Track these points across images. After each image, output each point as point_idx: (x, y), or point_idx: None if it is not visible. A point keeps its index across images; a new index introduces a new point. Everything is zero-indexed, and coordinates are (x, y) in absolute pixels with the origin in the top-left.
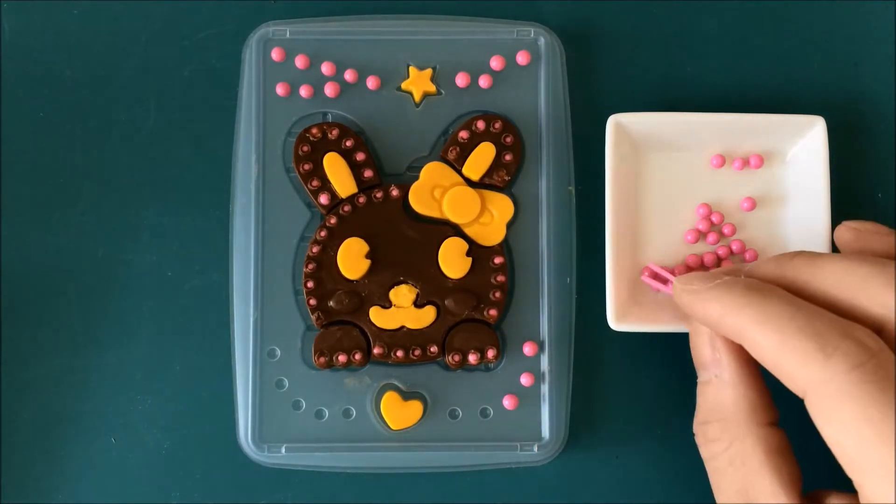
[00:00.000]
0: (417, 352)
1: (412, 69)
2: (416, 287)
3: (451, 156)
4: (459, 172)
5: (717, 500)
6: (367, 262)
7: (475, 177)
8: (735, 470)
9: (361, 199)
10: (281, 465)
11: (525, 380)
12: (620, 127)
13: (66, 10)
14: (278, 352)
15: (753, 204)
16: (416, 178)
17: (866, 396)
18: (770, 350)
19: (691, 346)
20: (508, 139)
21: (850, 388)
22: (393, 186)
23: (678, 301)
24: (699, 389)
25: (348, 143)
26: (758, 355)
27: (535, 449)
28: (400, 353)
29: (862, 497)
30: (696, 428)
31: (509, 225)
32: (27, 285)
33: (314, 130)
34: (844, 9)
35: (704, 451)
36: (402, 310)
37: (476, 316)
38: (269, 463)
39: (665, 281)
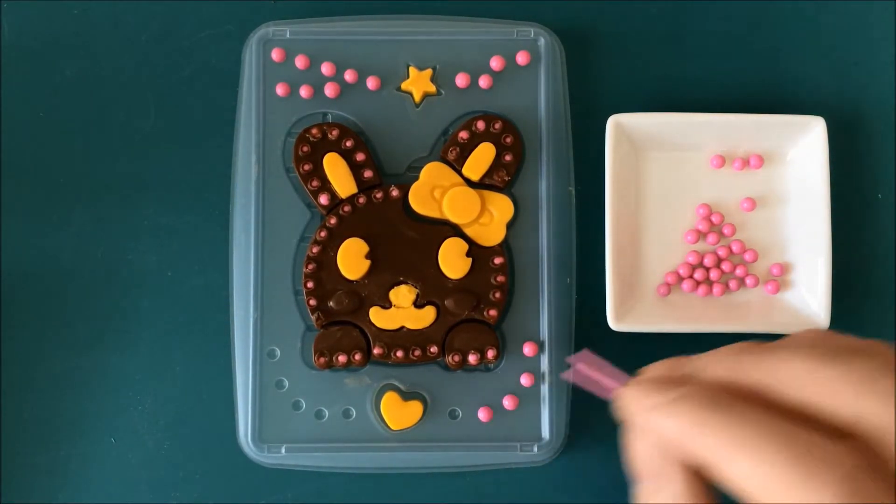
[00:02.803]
0: (417, 352)
1: (412, 69)
2: (416, 287)
3: (451, 156)
4: (459, 173)
5: None
6: (367, 263)
7: (475, 177)
8: None
9: (361, 200)
10: (281, 465)
11: (525, 380)
12: (620, 127)
13: (66, 10)
14: (278, 352)
15: (753, 204)
16: (416, 178)
17: None
18: (746, 477)
19: (632, 454)
20: (508, 139)
21: None
22: (393, 187)
23: (627, 413)
24: (642, 496)
25: (348, 144)
26: (727, 479)
27: (535, 449)
28: (400, 354)
29: None
30: None
31: (509, 225)
32: (27, 285)
33: (314, 131)
34: (844, 9)
35: None
36: (402, 310)
37: (476, 316)
38: (269, 463)
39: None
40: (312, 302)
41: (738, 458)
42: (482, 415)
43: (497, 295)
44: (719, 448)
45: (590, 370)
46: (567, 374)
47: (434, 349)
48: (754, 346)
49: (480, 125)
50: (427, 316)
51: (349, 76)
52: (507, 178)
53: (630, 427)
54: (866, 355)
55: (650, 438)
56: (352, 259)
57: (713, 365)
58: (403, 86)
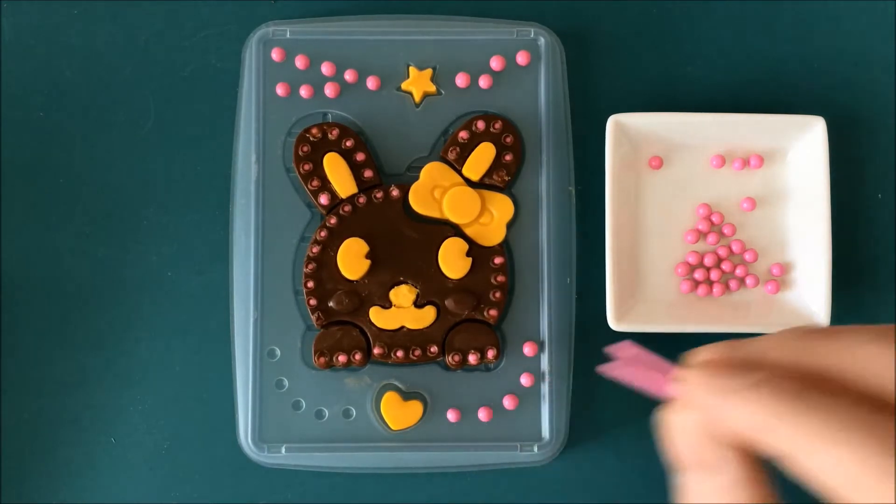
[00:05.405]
0: (417, 352)
1: (412, 69)
2: (416, 287)
3: (451, 156)
4: (459, 172)
5: None
6: (367, 263)
7: (475, 177)
8: None
9: (361, 200)
10: (281, 465)
11: (525, 380)
12: (620, 127)
13: (66, 10)
14: (278, 352)
15: (753, 204)
16: (416, 178)
17: None
18: (831, 470)
19: (675, 442)
20: (508, 139)
21: None
22: (393, 186)
23: (693, 398)
24: (692, 493)
25: (348, 144)
26: (808, 472)
27: (535, 449)
28: (400, 354)
29: None
30: None
31: (509, 225)
32: (27, 285)
33: (314, 130)
34: (844, 9)
35: None
36: (402, 310)
37: (476, 316)
38: (269, 463)
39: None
40: (312, 302)
41: (822, 449)
42: (482, 415)
43: (497, 295)
44: (801, 439)
45: (634, 361)
46: (606, 367)
47: (434, 349)
48: (816, 330)
49: (480, 125)
50: (427, 316)
51: (349, 76)
52: (507, 178)
53: (671, 414)
54: None
55: (698, 425)
56: (352, 259)
57: (776, 349)
58: (403, 86)
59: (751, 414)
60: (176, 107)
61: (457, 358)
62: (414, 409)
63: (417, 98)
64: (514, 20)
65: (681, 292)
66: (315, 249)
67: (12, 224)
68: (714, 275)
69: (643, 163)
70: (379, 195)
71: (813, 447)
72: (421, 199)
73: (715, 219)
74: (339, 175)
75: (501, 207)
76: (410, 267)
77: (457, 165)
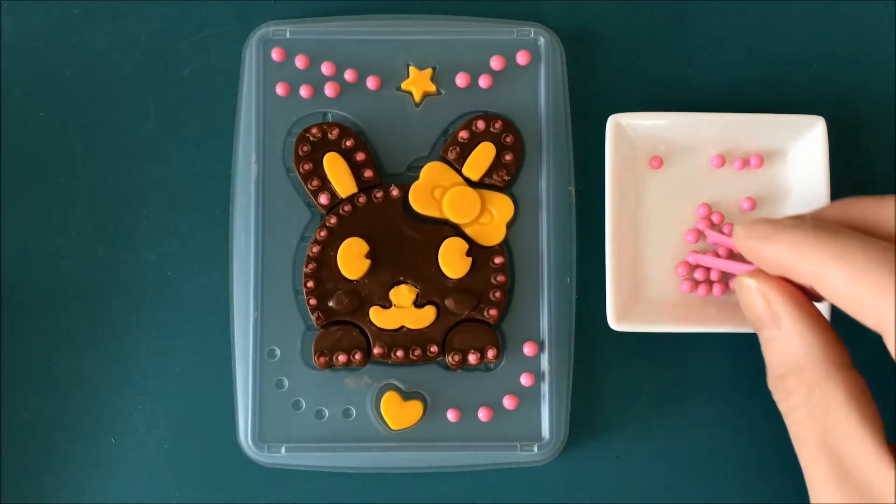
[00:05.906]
0: (417, 352)
1: (412, 69)
2: (416, 287)
3: (451, 156)
4: (459, 172)
5: (800, 455)
6: (367, 262)
7: (475, 177)
8: (816, 420)
9: (361, 199)
10: (281, 465)
11: (525, 380)
12: (620, 127)
13: (66, 10)
14: (278, 352)
15: (753, 204)
16: (416, 178)
17: None
18: (846, 285)
19: (743, 306)
20: (508, 139)
21: None
22: (393, 186)
23: (742, 247)
24: (764, 348)
25: (348, 143)
26: (832, 293)
27: (535, 449)
28: (400, 353)
29: None
30: (773, 384)
31: (509, 225)
32: (27, 285)
33: (314, 130)
34: (844, 9)
35: (784, 406)
36: (402, 310)
37: (476, 316)
38: (269, 463)
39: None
40: (312, 301)
41: (839, 268)
42: (482, 415)
43: (497, 294)
44: (824, 263)
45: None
46: (692, 257)
47: (434, 349)
48: (872, 196)
49: (480, 125)
50: (427, 316)
51: (349, 76)
52: (507, 178)
53: (738, 281)
54: None
55: (757, 288)
56: (352, 259)
57: (829, 207)
58: (403, 85)
59: (783, 249)
60: (176, 107)
61: (457, 358)
62: (414, 409)
63: (417, 98)
64: (514, 20)
65: (681, 292)
66: (315, 249)
67: (12, 224)
68: (714, 275)
69: (643, 163)
70: (379, 195)
71: (827, 269)
72: (421, 199)
73: (715, 219)
74: (339, 175)
75: (501, 207)
76: (410, 267)
77: (457, 165)
